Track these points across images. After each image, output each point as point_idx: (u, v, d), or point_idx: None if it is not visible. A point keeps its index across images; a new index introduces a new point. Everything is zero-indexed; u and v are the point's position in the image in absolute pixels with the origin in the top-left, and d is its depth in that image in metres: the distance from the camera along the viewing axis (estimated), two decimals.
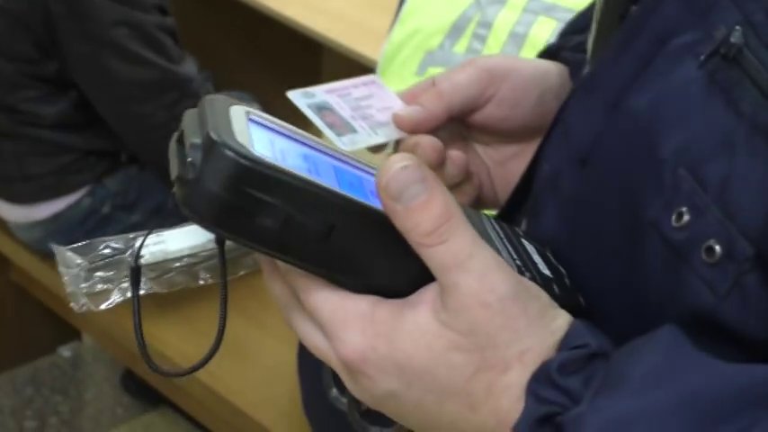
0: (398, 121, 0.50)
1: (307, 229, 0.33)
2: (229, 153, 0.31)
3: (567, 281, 0.40)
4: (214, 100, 0.35)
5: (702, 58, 0.36)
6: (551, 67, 0.55)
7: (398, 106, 0.51)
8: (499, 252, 0.37)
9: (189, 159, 0.32)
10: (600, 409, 0.32)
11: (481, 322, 0.34)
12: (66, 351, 1.87)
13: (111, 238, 0.43)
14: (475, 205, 0.51)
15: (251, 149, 0.32)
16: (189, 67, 1.44)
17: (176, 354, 1.30)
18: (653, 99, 0.37)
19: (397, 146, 0.51)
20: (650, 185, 0.37)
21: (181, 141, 0.34)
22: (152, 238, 0.40)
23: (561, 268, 0.41)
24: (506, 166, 0.55)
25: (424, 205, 0.33)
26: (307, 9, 1.53)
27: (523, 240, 0.42)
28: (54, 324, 1.73)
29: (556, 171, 0.43)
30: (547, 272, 0.39)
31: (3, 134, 1.47)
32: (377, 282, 0.36)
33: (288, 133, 0.37)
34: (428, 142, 0.48)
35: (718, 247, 0.34)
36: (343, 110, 0.51)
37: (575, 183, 0.41)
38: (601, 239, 0.40)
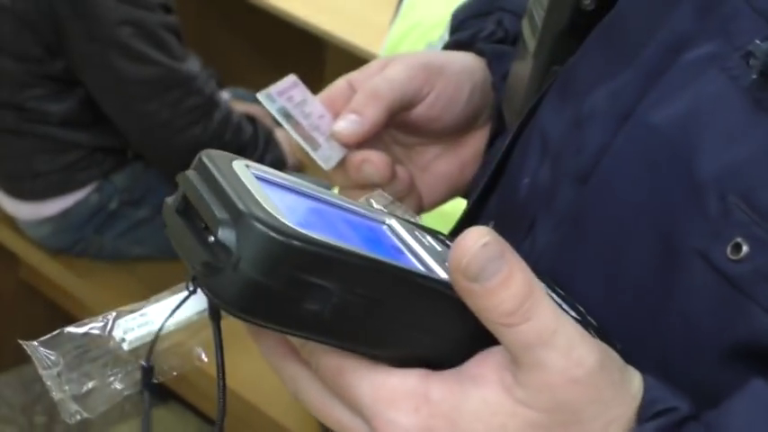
0: (340, 138, 0.46)
1: (354, 309, 0.29)
2: (273, 233, 0.26)
3: (593, 321, 0.37)
4: (214, 157, 0.30)
5: (735, 73, 0.34)
6: (473, 60, 0.52)
7: (327, 115, 0.48)
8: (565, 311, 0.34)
9: (216, 240, 0.27)
10: None
11: (570, 399, 0.32)
12: None
13: (81, 324, 0.34)
14: None
15: (288, 223, 0.27)
16: (192, 64, 1.47)
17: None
18: (681, 115, 0.35)
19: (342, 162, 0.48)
20: (689, 211, 0.34)
21: (186, 213, 0.29)
22: (132, 319, 0.32)
23: (581, 308, 0.37)
24: (430, 169, 0.52)
25: (505, 283, 0.30)
26: (308, 5, 1.55)
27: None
28: (62, 320, 1.72)
29: (547, 188, 0.40)
30: (574, 314, 0.35)
31: (11, 132, 1.50)
32: (420, 353, 0.32)
33: (287, 184, 0.33)
34: (378, 159, 0.46)
35: None
36: (301, 120, 0.48)
37: (573, 201, 0.38)
38: (618, 265, 0.37)
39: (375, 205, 0.38)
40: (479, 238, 0.29)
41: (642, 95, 0.37)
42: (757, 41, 0.33)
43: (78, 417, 0.32)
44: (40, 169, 1.52)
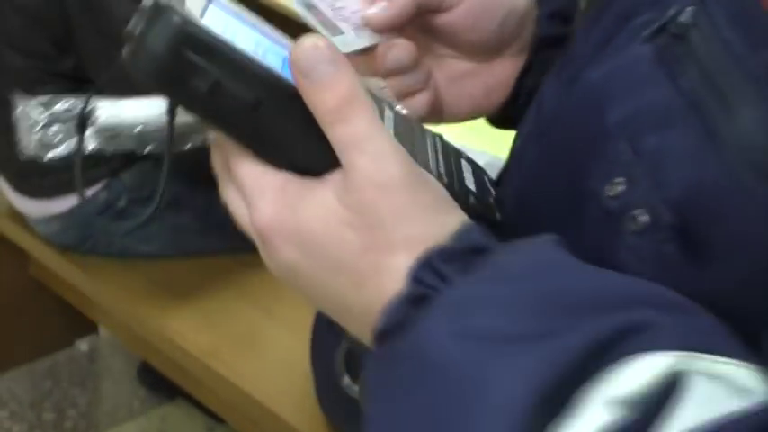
0: (369, 22, 0.49)
1: (235, 99, 0.35)
2: (172, 16, 0.34)
3: (491, 200, 0.43)
4: None
5: (647, 33, 0.38)
6: None
7: (364, 8, 0.51)
8: (428, 160, 0.41)
9: (138, 17, 0.35)
10: (456, 288, 0.33)
11: (371, 202, 0.35)
12: (83, 344, 1.88)
13: (73, 95, 0.46)
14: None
15: (195, 18, 0.35)
16: None
17: (191, 344, 1.31)
18: (606, 73, 0.39)
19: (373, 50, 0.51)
20: (595, 157, 0.38)
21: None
22: (108, 103, 0.41)
23: (493, 191, 0.44)
24: (457, 83, 0.54)
25: (330, 84, 0.34)
26: None
27: (463, 160, 0.45)
28: (71, 317, 1.74)
29: (522, 144, 0.45)
30: (471, 186, 0.42)
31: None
32: (298, 162, 0.37)
33: (250, 21, 0.38)
34: (403, 44, 0.49)
35: (644, 217, 0.35)
36: (326, 10, 0.51)
37: (534, 156, 0.43)
38: (550, 212, 0.42)
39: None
40: (314, 41, 0.35)
41: (593, 57, 0.40)
42: (674, 6, 0.37)
43: (33, 154, 0.41)
44: (49, 166, 1.48)
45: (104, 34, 1.40)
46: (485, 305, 0.32)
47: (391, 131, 0.40)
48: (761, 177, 0.34)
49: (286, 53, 0.37)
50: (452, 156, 0.44)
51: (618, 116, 0.38)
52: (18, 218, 1.56)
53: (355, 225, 0.35)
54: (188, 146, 0.64)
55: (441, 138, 0.45)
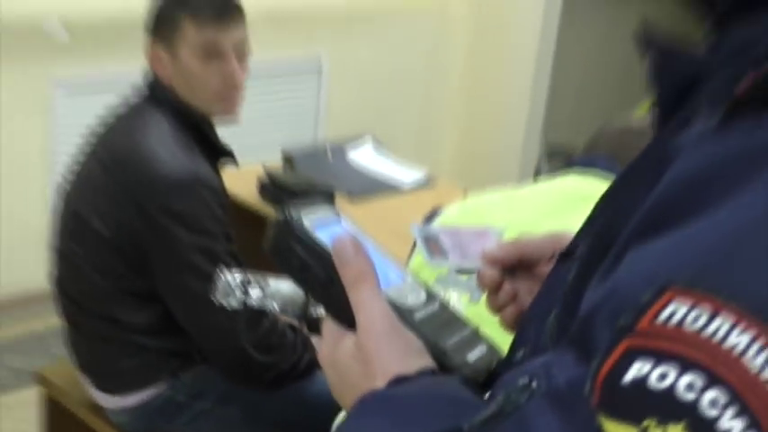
0: (485, 253, 0.70)
1: (318, 277, 0.57)
2: (283, 222, 0.57)
3: (483, 372, 0.59)
4: (318, 207, 0.61)
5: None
6: None
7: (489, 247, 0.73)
8: (450, 335, 0.59)
9: (276, 220, 0.58)
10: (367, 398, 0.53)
11: (363, 345, 0.55)
12: None
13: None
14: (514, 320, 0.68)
15: (301, 224, 0.57)
16: None
17: None
18: None
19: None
20: None
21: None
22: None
23: (492, 365, 0.60)
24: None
25: (349, 263, 0.55)
26: None
27: (481, 345, 0.61)
28: None
29: None
30: (471, 359, 0.59)
31: (102, 339, 1.71)
32: (341, 318, 0.57)
33: (346, 225, 0.61)
34: (490, 275, 0.69)
35: None
36: (446, 244, 0.75)
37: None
38: None
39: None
40: (349, 240, 0.56)
41: None
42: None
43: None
44: (123, 368, 1.70)
45: (173, 262, 1.65)
46: (372, 414, 0.52)
47: (418, 301, 0.61)
48: None
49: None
50: (467, 333, 0.62)
51: None
52: (97, 408, 1.80)
53: (357, 358, 0.56)
54: None
55: (476, 329, 0.63)
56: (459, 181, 3.15)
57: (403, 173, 2.48)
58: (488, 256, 0.70)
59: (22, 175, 3.00)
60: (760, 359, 0.33)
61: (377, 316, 0.56)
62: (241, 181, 2.23)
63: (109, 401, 1.77)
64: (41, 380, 2.06)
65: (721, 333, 0.35)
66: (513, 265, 0.69)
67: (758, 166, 0.37)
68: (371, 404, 0.54)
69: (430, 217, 1.28)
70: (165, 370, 1.72)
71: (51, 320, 2.47)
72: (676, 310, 0.36)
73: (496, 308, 0.72)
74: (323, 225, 0.60)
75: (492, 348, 0.62)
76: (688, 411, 0.35)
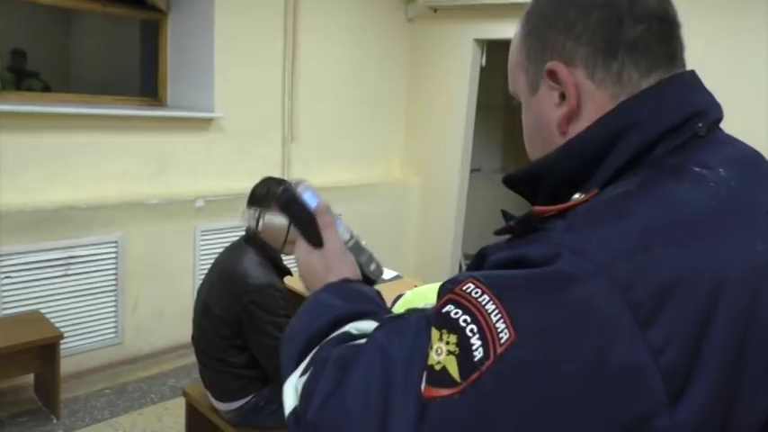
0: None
1: (302, 217, 0.88)
2: (288, 190, 0.90)
3: (373, 277, 0.89)
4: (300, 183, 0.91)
5: None
6: None
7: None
8: (360, 253, 0.90)
9: (282, 189, 0.92)
10: (333, 286, 0.82)
11: (329, 255, 0.86)
12: None
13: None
14: None
15: (297, 192, 0.90)
16: None
17: None
18: None
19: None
20: None
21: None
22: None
23: (381, 273, 0.90)
24: None
25: (325, 218, 0.88)
26: None
27: (374, 259, 0.92)
28: None
29: None
30: (370, 268, 0.91)
31: (218, 371, 2.44)
32: (313, 241, 0.88)
33: (321, 199, 0.90)
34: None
35: None
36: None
37: None
38: None
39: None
40: (327, 206, 0.90)
41: None
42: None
43: None
44: (229, 388, 2.45)
45: (256, 330, 2.29)
46: (332, 292, 0.80)
47: (348, 237, 0.88)
48: None
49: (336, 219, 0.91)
50: (369, 255, 0.89)
51: None
52: (215, 409, 2.55)
53: (323, 264, 0.84)
54: None
55: (371, 253, 0.92)
56: (417, 278, 4.56)
57: (385, 273, 2.95)
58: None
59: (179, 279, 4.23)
60: (484, 300, 0.58)
61: (336, 243, 0.86)
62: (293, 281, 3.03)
63: (222, 406, 2.51)
64: (186, 394, 2.79)
65: (475, 295, 0.58)
66: None
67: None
68: (330, 288, 0.79)
69: (396, 299, 1.62)
70: (253, 387, 2.44)
71: (191, 359, 3.59)
72: (469, 286, 0.59)
73: None
74: (304, 192, 0.90)
75: (380, 265, 0.92)
76: (458, 327, 0.57)
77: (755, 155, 0.75)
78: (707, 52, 3.84)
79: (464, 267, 5.27)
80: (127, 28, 5.15)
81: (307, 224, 0.90)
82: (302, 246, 0.90)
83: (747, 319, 0.61)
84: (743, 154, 0.73)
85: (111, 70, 5.78)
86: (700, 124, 0.70)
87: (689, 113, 0.70)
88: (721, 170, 0.67)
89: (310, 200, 0.91)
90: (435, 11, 5.35)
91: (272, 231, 2.43)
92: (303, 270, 0.90)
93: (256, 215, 2.44)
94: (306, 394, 0.69)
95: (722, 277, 0.60)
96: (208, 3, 4.24)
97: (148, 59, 4.59)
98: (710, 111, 0.72)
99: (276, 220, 2.39)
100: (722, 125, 0.74)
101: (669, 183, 0.64)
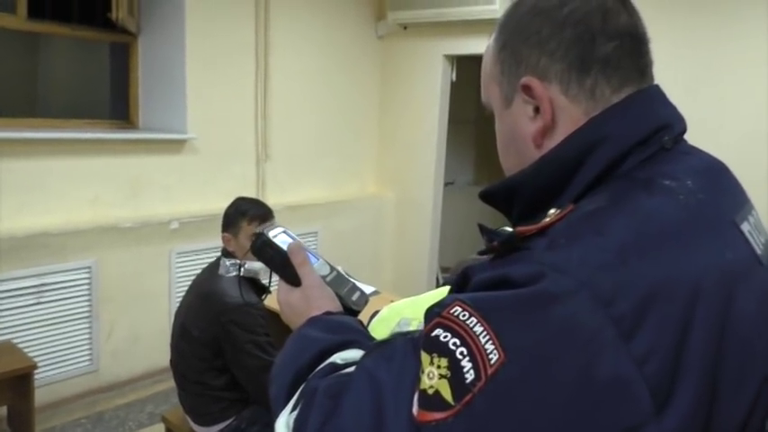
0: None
1: (277, 260, 0.91)
2: (261, 236, 0.94)
3: (355, 307, 0.90)
4: (273, 227, 0.95)
5: None
6: None
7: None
8: (342, 285, 0.91)
9: (257, 235, 0.94)
10: (315, 321, 0.84)
11: (308, 292, 0.87)
12: None
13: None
14: None
15: (270, 236, 0.93)
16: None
17: None
18: None
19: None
20: None
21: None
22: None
23: (364, 301, 0.91)
24: None
25: (299, 258, 0.90)
26: None
27: (357, 290, 0.93)
28: None
29: None
30: (353, 299, 0.91)
31: (197, 395, 2.49)
32: (291, 281, 0.90)
33: (295, 238, 0.94)
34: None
35: None
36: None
37: None
38: None
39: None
40: (298, 246, 0.92)
41: None
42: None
43: None
44: (209, 411, 2.49)
45: (236, 349, 2.35)
46: (314, 326, 0.81)
47: (327, 271, 0.89)
48: None
49: (311, 255, 0.92)
50: (352, 285, 0.91)
51: None
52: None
53: (303, 300, 0.85)
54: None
55: (353, 283, 0.93)
56: (395, 293, 4.59)
57: (363, 288, 3.14)
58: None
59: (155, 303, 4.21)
60: (472, 322, 0.59)
61: (314, 279, 0.88)
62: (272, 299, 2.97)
63: (202, 430, 2.57)
64: (165, 419, 2.82)
65: (463, 318, 0.59)
66: None
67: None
68: (312, 322, 0.81)
69: (373, 315, 1.51)
70: (233, 410, 2.52)
71: (169, 384, 3.58)
72: (457, 309, 0.61)
73: None
74: (276, 235, 0.94)
75: (363, 293, 0.94)
76: (448, 351, 0.58)
77: (719, 164, 0.78)
78: (707, 54, 3.81)
79: (441, 280, 5.71)
80: (95, 52, 5.14)
81: (282, 266, 0.93)
82: (282, 287, 0.93)
83: (722, 326, 0.63)
84: (707, 164, 0.76)
85: (81, 94, 5.77)
86: (666, 137, 0.72)
87: (656, 126, 0.72)
88: (689, 182, 0.70)
89: (282, 243, 0.95)
90: (405, 28, 5.44)
91: (256, 276, 2.52)
92: (285, 310, 0.92)
93: (237, 264, 2.49)
94: (298, 427, 0.70)
95: (697, 286, 0.62)
96: (178, 24, 4.27)
97: (119, 82, 4.60)
98: (675, 124, 0.74)
99: (256, 265, 2.46)
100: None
101: (641, 197, 0.66)
